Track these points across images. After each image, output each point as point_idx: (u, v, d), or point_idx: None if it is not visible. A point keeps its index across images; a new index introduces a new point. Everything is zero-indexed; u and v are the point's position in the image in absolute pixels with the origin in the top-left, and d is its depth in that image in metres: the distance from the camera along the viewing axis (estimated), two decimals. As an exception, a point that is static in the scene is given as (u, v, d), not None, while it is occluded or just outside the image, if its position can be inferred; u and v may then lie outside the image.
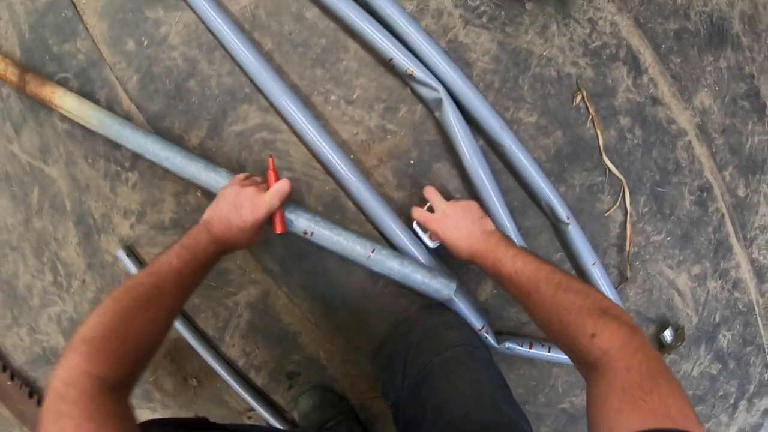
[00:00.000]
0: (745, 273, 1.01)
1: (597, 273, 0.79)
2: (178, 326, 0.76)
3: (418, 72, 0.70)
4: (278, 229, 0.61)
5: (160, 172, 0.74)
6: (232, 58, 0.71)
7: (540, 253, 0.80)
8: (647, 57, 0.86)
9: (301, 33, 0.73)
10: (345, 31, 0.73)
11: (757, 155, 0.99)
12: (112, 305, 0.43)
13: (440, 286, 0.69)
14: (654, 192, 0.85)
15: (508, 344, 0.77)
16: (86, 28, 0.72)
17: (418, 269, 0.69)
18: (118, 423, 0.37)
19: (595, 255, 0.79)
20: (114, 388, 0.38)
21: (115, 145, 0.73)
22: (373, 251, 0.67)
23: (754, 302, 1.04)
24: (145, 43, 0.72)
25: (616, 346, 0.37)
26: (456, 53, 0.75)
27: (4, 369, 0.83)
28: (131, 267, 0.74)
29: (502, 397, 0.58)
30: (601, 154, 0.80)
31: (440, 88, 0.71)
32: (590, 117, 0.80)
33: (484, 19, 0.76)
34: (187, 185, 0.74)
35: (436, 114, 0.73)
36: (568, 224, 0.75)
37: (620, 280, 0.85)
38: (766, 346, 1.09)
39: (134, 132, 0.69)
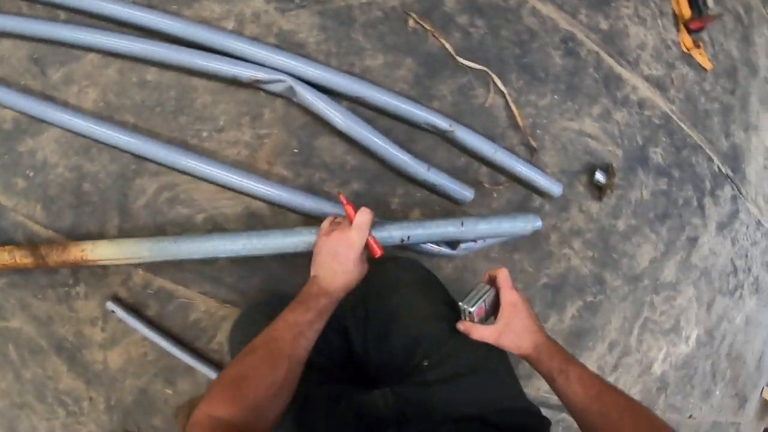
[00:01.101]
0: (646, 91, 1.06)
1: (503, 158, 0.85)
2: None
3: (261, 74, 0.76)
4: (377, 253, 0.61)
5: (99, 272, 0.80)
6: (109, 146, 0.77)
7: (445, 164, 0.86)
8: (457, -49, 0.91)
9: (152, 95, 0.78)
10: (187, 74, 0.78)
11: (604, -16, 1.04)
12: (236, 359, 0.49)
13: (526, 224, 0.75)
14: (520, 65, 0.91)
15: (462, 246, 0.83)
16: (-25, 188, 0.77)
17: (501, 220, 0.74)
18: None
19: (493, 144, 0.85)
20: (240, 430, 0.42)
21: (52, 270, 0.79)
22: (462, 224, 0.71)
23: (669, 111, 1.10)
24: (32, 174, 0.77)
25: None
26: (287, 42, 0.80)
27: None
28: (125, 315, 0.78)
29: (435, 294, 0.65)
30: (455, 58, 0.85)
31: (285, 77, 0.76)
32: (429, 33, 0.85)
33: (297, 0, 0.81)
34: (128, 271, 0.80)
35: (294, 99, 0.79)
36: (452, 131, 0.81)
37: (531, 152, 0.91)
38: (700, 142, 1.15)
39: (192, 242, 0.70)
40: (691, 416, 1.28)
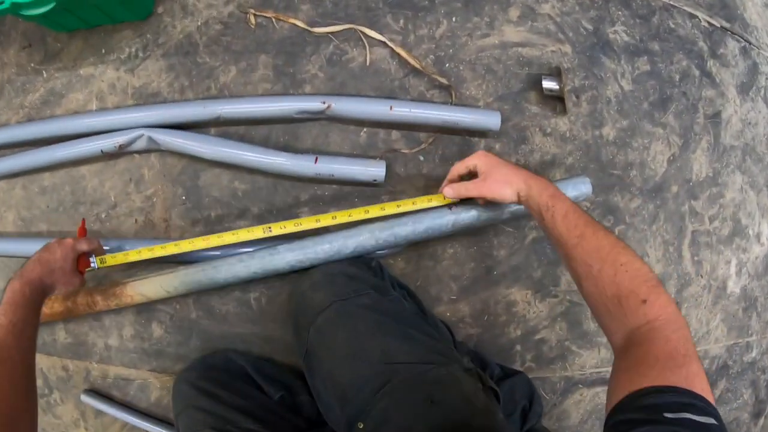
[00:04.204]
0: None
1: (406, 111, 0.49)
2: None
3: (120, 138, 0.51)
4: (80, 266, 0.46)
5: (63, 374, 0.59)
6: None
7: (345, 147, 0.52)
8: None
9: (53, 198, 0.58)
10: (73, 166, 0.57)
11: None
12: None
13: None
14: (392, 3, 0.55)
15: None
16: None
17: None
18: None
19: (385, 100, 0.49)
20: None
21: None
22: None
23: (612, -19, 0.62)
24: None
25: (663, 318, 0.27)
26: (144, 96, 0.55)
27: None
28: (99, 405, 0.55)
29: (395, 340, 0.38)
30: (310, 32, 0.53)
31: (141, 130, 0.51)
32: (273, 20, 0.54)
33: (141, 54, 0.56)
34: (85, 366, 0.57)
35: (163, 148, 0.52)
36: (328, 106, 0.48)
37: (448, 92, 0.53)
38: (669, 1, 0.65)
39: (222, 264, 0.46)
40: (813, 332, 0.69)
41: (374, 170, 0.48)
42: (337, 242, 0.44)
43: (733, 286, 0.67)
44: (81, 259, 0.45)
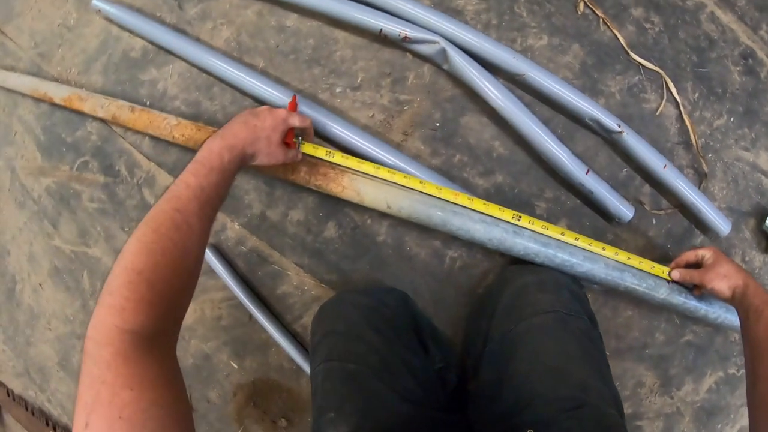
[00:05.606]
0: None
1: (671, 176, 0.51)
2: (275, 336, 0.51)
3: (412, 32, 0.49)
4: (288, 141, 0.41)
5: None
6: (232, 86, 0.53)
7: (605, 173, 0.53)
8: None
9: (288, 41, 0.54)
10: (330, 25, 0.53)
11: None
12: (135, 245, 0.28)
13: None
14: (697, 74, 0.58)
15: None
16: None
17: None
18: (159, 387, 0.24)
19: (662, 157, 0.52)
20: (152, 341, 0.26)
21: (145, 205, 0.54)
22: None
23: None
24: (148, 103, 0.54)
25: None
26: (443, 5, 0.53)
27: None
28: (216, 264, 0.50)
29: (595, 374, 0.39)
30: (627, 53, 0.54)
31: (438, 38, 0.49)
32: (600, 20, 0.55)
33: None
34: (224, 222, 0.53)
35: (445, 67, 0.51)
36: (621, 132, 0.49)
37: (700, 179, 0.56)
38: None
39: (462, 213, 0.44)
40: None
41: (624, 211, 0.50)
42: (575, 259, 0.45)
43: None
44: (289, 135, 0.41)
